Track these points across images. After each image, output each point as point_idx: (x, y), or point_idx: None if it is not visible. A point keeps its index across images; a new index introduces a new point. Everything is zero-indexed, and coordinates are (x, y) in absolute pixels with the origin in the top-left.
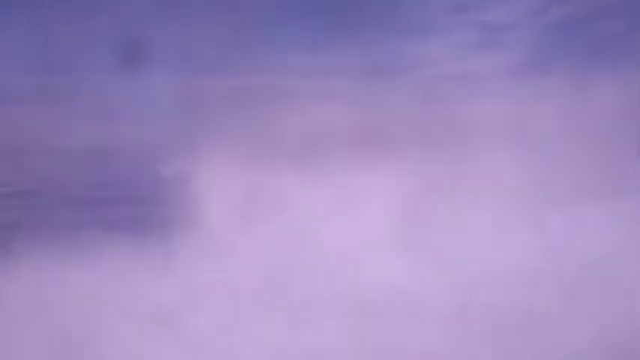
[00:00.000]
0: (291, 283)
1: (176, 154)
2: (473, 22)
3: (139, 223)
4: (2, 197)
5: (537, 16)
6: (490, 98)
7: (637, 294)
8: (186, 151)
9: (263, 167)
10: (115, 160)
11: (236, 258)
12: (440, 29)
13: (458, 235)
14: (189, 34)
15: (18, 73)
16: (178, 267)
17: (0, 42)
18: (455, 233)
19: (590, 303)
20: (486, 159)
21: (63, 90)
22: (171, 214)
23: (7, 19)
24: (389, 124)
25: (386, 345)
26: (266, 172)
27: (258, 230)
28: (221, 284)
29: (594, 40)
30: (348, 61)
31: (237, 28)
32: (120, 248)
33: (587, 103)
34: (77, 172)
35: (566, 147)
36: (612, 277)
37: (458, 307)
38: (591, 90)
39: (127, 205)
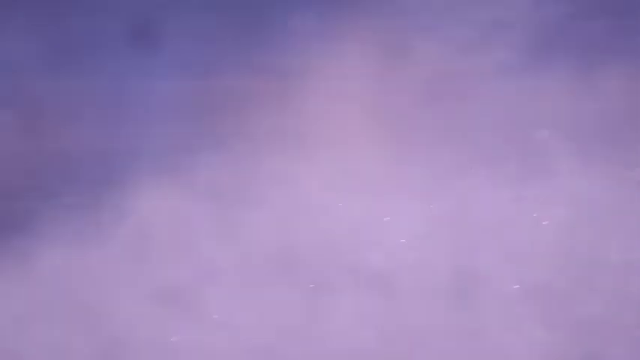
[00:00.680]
0: (303, 261)
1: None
2: (467, 20)
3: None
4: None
5: (532, 15)
6: (485, 96)
7: None
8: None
9: (269, 153)
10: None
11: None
12: (432, 27)
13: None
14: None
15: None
16: (190, 246)
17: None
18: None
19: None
20: (481, 155)
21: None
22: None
23: (9, 20)
24: (385, 119)
25: (397, 320)
26: (272, 158)
27: (268, 211)
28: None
29: (590, 38)
30: (341, 60)
31: (234, 30)
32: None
33: (583, 101)
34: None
35: (561, 144)
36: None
37: (472, 283)
38: (587, 88)
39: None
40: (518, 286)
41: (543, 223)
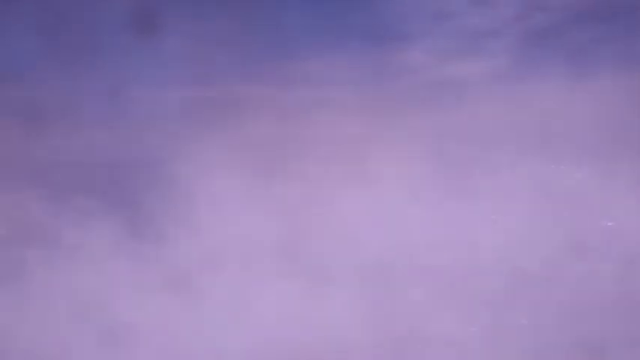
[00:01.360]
0: (305, 250)
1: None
2: (454, 29)
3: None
4: None
5: (519, 23)
6: (473, 104)
7: None
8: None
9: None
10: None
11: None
12: (421, 36)
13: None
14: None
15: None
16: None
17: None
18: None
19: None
20: (470, 164)
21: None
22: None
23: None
24: (376, 128)
25: (397, 310)
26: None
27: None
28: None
29: (576, 47)
30: (332, 69)
31: (230, 38)
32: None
33: (570, 110)
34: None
35: (548, 152)
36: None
37: (476, 272)
38: (573, 96)
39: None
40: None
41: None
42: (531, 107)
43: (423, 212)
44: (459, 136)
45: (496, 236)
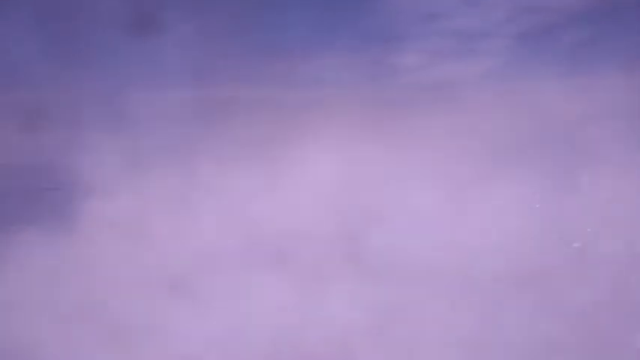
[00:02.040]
0: (305, 249)
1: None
2: (447, 30)
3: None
4: None
5: (511, 24)
6: (465, 105)
7: None
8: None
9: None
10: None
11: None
12: (413, 37)
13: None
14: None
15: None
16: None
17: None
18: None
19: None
20: (462, 165)
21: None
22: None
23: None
24: (369, 128)
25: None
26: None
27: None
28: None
29: (566, 48)
30: (323, 70)
31: (221, 37)
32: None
33: (560, 110)
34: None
35: (538, 153)
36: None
37: (477, 273)
38: (565, 96)
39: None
40: None
41: None
42: (524, 108)
43: (422, 212)
44: (453, 136)
45: (493, 236)
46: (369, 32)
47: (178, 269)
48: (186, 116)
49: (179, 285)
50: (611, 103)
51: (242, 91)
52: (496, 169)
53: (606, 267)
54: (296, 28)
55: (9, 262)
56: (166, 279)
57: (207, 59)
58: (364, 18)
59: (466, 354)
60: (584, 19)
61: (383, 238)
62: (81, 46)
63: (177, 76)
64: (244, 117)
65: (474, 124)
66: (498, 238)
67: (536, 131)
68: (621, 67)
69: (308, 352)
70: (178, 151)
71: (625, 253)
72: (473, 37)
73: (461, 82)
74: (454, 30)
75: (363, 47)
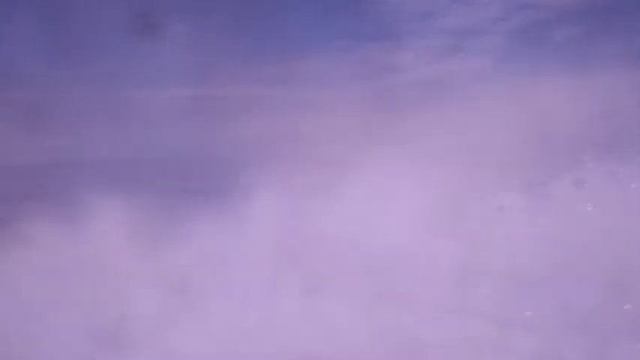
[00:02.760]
0: (307, 255)
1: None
2: (442, 28)
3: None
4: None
5: (504, 22)
6: (459, 103)
7: None
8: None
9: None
10: None
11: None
12: (407, 36)
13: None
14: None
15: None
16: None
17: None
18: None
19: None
20: (457, 163)
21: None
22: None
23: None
24: (366, 126)
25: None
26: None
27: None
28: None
29: (560, 45)
30: (319, 69)
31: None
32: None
33: (554, 108)
34: None
35: (533, 150)
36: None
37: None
38: (557, 94)
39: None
40: None
41: None
42: (519, 104)
43: (421, 211)
44: (449, 133)
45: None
46: (366, 31)
47: (178, 269)
48: (186, 116)
49: (178, 285)
50: (606, 100)
51: (242, 91)
52: (491, 165)
53: (605, 267)
54: (294, 29)
55: (9, 261)
56: (166, 279)
57: (207, 59)
58: (362, 17)
59: None
60: (577, 16)
61: (383, 239)
62: (81, 46)
63: (177, 76)
64: (244, 117)
65: (470, 121)
66: (498, 238)
67: (530, 127)
68: (614, 64)
69: None
70: (178, 150)
71: (625, 253)
72: (467, 35)
73: (457, 79)
74: (449, 28)
75: (359, 46)
